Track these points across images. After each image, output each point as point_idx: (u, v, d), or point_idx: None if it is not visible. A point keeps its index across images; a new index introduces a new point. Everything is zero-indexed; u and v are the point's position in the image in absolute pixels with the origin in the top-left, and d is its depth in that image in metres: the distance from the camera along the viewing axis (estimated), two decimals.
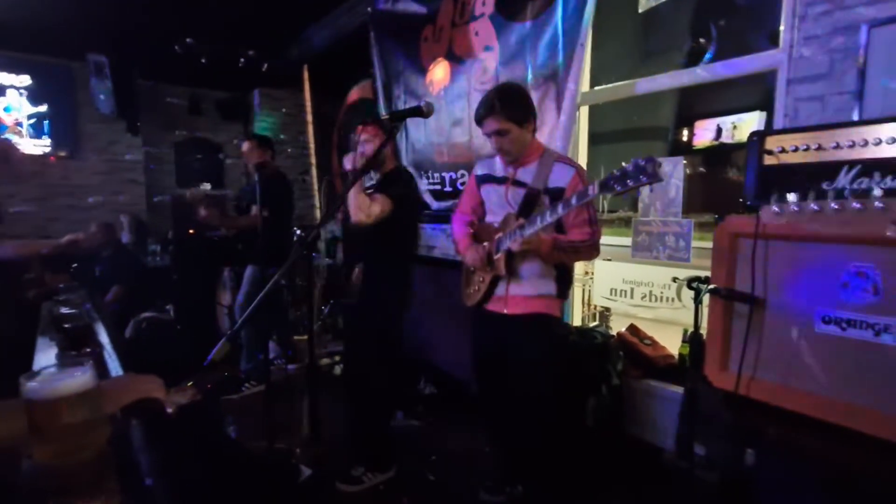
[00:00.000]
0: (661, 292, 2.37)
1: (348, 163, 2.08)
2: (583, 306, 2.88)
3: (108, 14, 3.83)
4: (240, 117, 5.81)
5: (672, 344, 2.39)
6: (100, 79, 4.44)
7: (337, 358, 3.80)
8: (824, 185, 1.22)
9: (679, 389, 2.12)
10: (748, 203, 1.34)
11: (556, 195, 1.67)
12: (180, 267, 4.28)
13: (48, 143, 4.81)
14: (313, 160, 5.90)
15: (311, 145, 5.89)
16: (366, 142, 2.12)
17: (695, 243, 2.23)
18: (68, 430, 0.65)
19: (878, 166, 1.13)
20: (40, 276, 3.12)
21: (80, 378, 0.66)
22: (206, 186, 3.06)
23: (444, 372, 3.09)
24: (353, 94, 4.77)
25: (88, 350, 1.34)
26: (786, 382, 1.28)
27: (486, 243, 1.81)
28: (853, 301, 1.15)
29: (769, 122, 1.95)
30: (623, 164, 1.37)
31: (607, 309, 2.75)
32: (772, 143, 1.31)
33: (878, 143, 1.13)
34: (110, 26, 4.08)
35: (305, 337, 4.19)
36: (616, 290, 2.57)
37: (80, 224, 4.84)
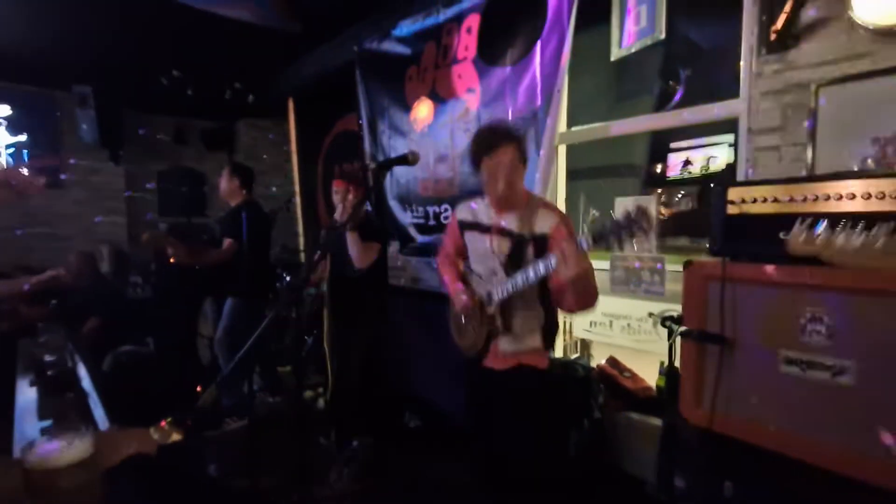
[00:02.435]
0: (639, 325, 2.45)
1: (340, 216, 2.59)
2: (564, 334, 2.94)
3: (92, 45, 3.86)
4: (224, 147, 5.84)
5: (652, 372, 2.44)
6: (83, 109, 4.44)
7: (321, 390, 3.77)
8: (781, 235, 1.31)
9: (659, 422, 2.17)
10: (714, 249, 1.43)
11: (541, 242, 1.63)
12: (162, 297, 4.23)
13: (27, 173, 4.75)
14: (297, 189, 5.94)
15: (296, 174, 5.94)
16: (336, 193, 2.57)
17: (671, 267, 2.32)
18: (65, 494, 0.67)
19: (828, 219, 1.23)
20: (14, 307, 3.06)
21: (79, 447, 0.68)
22: (163, 227, 3.02)
23: (430, 405, 3.10)
24: (338, 126, 4.88)
25: (71, 395, 1.33)
26: (756, 420, 1.35)
27: (475, 294, 1.77)
28: (812, 343, 1.24)
29: (735, 164, 2.08)
30: (613, 215, 1.36)
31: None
32: (734, 194, 1.42)
33: (827, 198, 1.23)
34: (95, 57, 4.11)
35: (289, 368, 4.16)
36: (596, 322, 2.64)
37: (59, 252, 4.76)
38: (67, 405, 1.21)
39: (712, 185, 1.46)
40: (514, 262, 1.64)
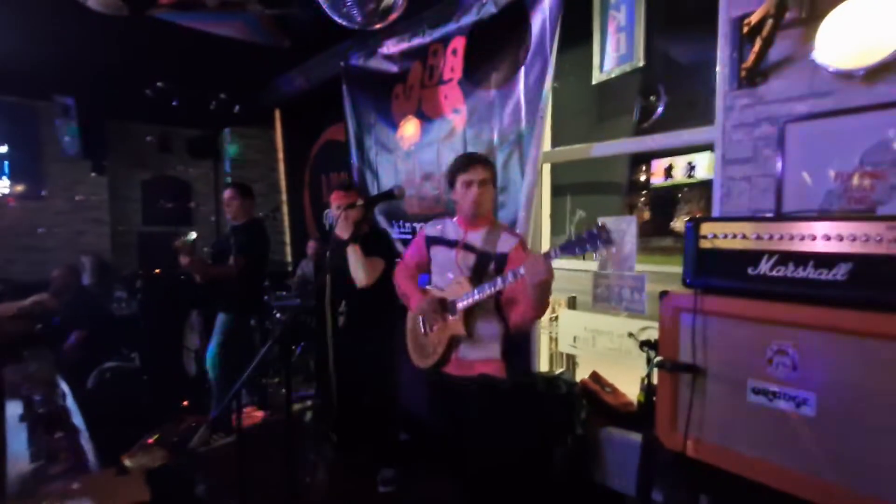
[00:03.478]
0: (621, 342, 2.53)
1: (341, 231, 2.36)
2: (550, 342, 3.01)
3: (75, 56, 3.82)
4: (210, 155, 5.81)
5: (635, 382, 2.49)
6: (65, 120, 4.38)
7: (308, 403, 3.79)
8: (749, 270, 1.39)
9: (639, 436, 2.24)
10: (687, 281, 1.50)
11: (501, 261, 1.82)
12: (147, 310, 4.20)
13: (7, 184, 4.68)
14: (284, 197, 5.94)
15: (283, 183, 5.93)
16: (337, 208, 2.39)
17: (655, 267, 2.42)
18: None
19: (792, 258, 1.30)
20: None
21: None
22: (193, 235, 3.06)
23: (416, 417, 3.13)
24: (325, 136, 4.89)
25: (62, 434, 1.35)
26: (726, 445, 1.42)
27: (440, 298, 1.88)
28: (777, 375, 1.31)
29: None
30: (579, 231, 1.54)
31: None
32: (706, 229, 1.48)
33: (791, 238, 1.31)
34: (78, 68, 4.07)
35: (276, 380, 4.17)
36: (578, 337, 2.71)
37: (41, 265, 4.70)
38: (59, 446, 1.23)
39: (689, 220, 1.53)
40: (477, 276, 1.82)
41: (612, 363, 2.59)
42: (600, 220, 1.51)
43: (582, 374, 2.72)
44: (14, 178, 4.73)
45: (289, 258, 5.87)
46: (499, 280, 1.69)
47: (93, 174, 4.91)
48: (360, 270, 2.31)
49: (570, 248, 1.53)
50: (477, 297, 1.74)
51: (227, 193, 3.32)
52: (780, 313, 1.30)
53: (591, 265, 2.59)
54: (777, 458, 1.31)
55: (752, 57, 1.70)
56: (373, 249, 2.36)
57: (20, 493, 1.06)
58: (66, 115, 4.37)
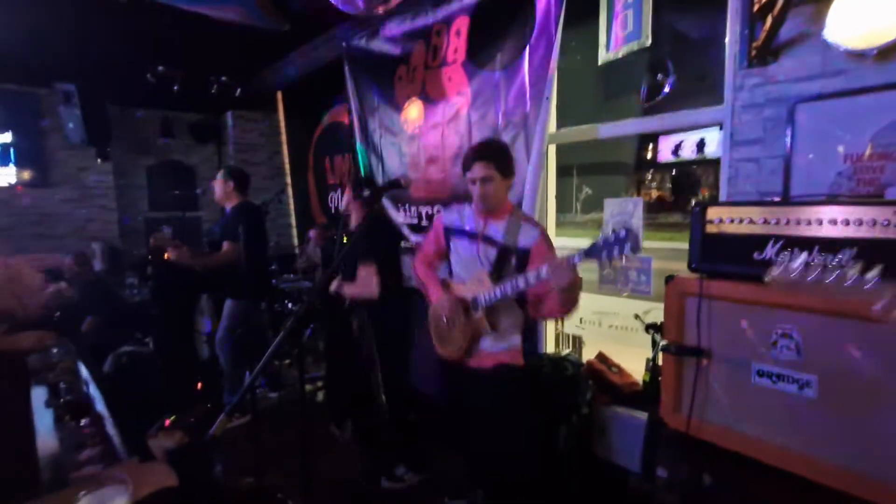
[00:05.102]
0: (626, 324, 2.56)
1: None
2: (556, 323, 3.04)
3: (75, 42, 3.79)
4: (213, 139, 5.79)
5: (641, 357, 2.52)
6: (68, 107, 4.37)
7: (319, 384, 3.87)
8: (755, 255, 1.40)
9: (644, 415, 2.29)
10: (693, 266, 1.51)
11: (523, 255, 1.75)
12: (159, 296, 4.27)
13: (13, 172, 4.71)
14: (288, 180, 5.94)
15: (287, 166, 5.92)
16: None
17: (664, 244, 2.42)
18: None
19: (798, 242, 1.31)
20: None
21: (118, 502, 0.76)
22: (168, 230, 3.07)
23: (425, 398, 3.20)
24: (328, 118, 4.86)
25: (88, 420, 1.40)
26: (729, 426, 1.46)
27: (459, 299, 1.86)
28: (781, 358, 1.33)
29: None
30: (605, 234, 1.42)
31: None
32: (712, 213, 1.49)
33: (798, 222, 1.31)
34: (79, 54, 4.04)
35: (287, 361, 4.26)
36: (585, 319, 2.74)
37: (51, 253, 4.76)
38: (87, 432, 1.29)
39: (695, 205, 1.53)
40: (498, 271, 1.77)
41: (617, 343, 2.63)
42: (625, 226, 1.40)
43: (588, 355, 2.76)
44: (20, 165, 4.75)
45: (295, 241, 5.91)
46: (520, 281, 1.62)
47: (98, 160, 4.92)
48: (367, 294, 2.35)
49: (595, 252, 1.43)
50: (499, 296, 1.70)
51: (218, 184, 3.28)
52: (784, 298, 1.32)
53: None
54: (780, 439, 1.34)
55: (762, 35, 1.67)
56: (368, 252, 2.31)
57: (52, 479, 1.11)
58: (69, 102, 4.36)
